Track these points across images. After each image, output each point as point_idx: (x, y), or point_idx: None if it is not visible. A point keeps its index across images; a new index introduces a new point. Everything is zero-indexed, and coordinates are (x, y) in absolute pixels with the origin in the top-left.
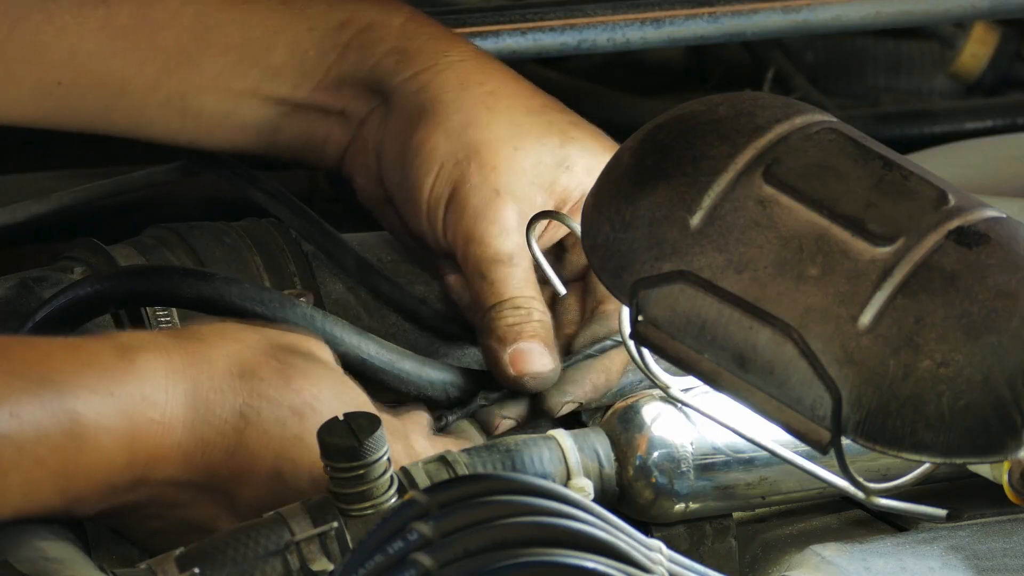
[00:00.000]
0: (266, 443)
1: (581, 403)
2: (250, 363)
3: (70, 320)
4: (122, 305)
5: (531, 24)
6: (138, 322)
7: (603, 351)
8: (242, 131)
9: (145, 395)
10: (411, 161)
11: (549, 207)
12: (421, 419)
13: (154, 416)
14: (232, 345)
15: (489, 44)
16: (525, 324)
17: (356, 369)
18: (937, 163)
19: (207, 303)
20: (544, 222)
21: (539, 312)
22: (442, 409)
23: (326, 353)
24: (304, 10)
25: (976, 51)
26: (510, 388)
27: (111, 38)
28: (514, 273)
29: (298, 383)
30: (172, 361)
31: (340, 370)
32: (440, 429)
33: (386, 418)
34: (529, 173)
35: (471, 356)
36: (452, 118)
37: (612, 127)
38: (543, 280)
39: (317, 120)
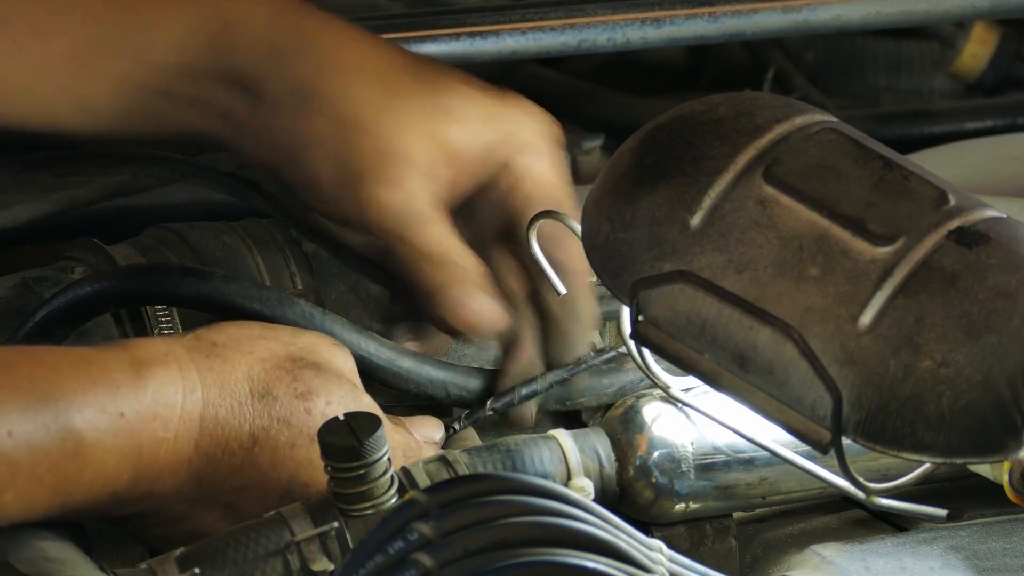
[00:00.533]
0: (277, 464)
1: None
2: (264, 381)
3: (70, 320)
4: (122, 304)
5: (531, 24)
6: (138, 321)
7: (607, 361)
8: (136, 123)
9: (157, 413)
10: (296, 149)
11: (444, 160)
12: (434, 435)
13: (164, 435)
14: (247, 359)
15: (489, 44)
16: (455, 275)
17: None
18: (937, 163)
19: (206, 301)
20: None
21: (466, 259)
22: (442, 405)
23: (342, 358)
24: (179, 5)
25: (976, 51)
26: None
27: (13, 48)
28: (429, 229)
29: (311, 403)
30: (187, 377)
31: (355, 380)
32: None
33: (397, 439)
34: (415, 129)
35: (473, 355)
36: (327, 100)
37: (612, 127)
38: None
39: (200, 111)
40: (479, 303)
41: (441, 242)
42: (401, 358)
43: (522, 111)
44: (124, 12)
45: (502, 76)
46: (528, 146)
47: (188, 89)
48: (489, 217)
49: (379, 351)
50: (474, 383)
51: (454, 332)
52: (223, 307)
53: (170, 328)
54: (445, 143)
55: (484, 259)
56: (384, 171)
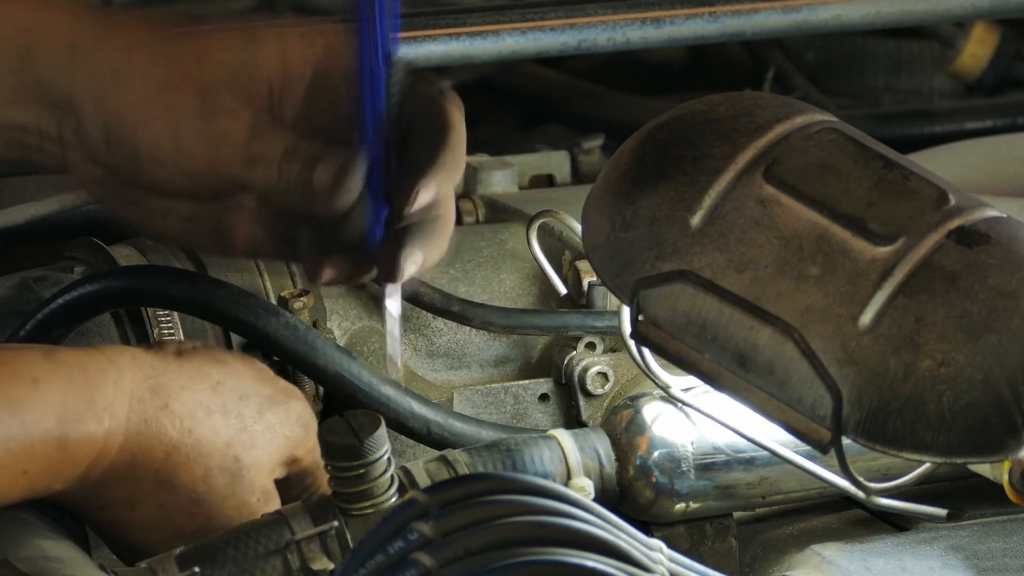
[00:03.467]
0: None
1: (439, 192)
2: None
3: (66, 321)
4: (112, 306)
5: (531, 24)
6: (139, 323)
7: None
8: None
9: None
10: (120, 132)
11: (252, 80)
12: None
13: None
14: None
15: (489, 44)
16: (310, 155)
17: (332, 384)
18: (937, 163)
19: (193, 306)
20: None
21: (314, 146)
22: (422, 443)
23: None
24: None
25: (976, 51)
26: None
27: None
28: (267, 137)
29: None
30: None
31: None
32: None
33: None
34: (221, 63)
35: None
36: (132, 73)
37: (612, 127)
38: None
39: (23, 135)
40: (332, 163)
41: (284, 143)
42: (383, 384)
43: (317, 25)
44: None
45: (502, 76)
46: (327, 44)
47: (10, 117)
48: (327, 130)
49: (360, 373)
50: (461, 427)
51: (328, 207)
52: (209, 313)
53: (170, 327)
54: (251, 69)
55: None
56: (211, 108)
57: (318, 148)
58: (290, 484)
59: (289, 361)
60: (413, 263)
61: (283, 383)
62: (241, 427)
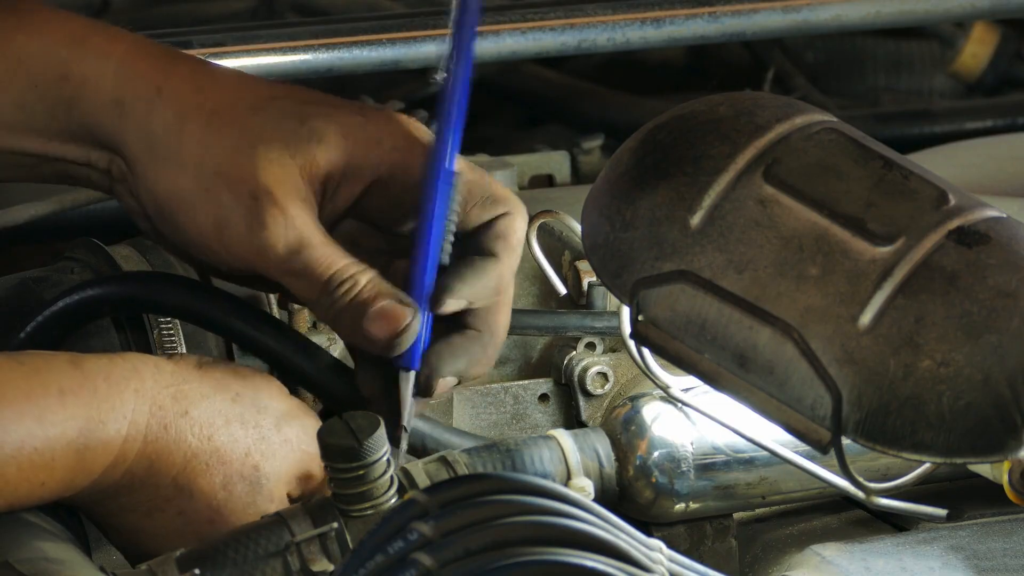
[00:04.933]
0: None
1: (469, 302)
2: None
3: (66, 324)
4: (115, 311)
5: (531, 24)
6: (139, 330)
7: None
8: (19, 174)
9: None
10: (166, 208)
11: (314, 184)
12: None
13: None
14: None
15: (489, 44)
16: (358, 291)
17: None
18: (937, 163)
19: (189, 313)
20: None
21: (362, 273)
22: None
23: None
24: (23, 64)
25: (976, 51)
26: (387, 355)
27: None
28: (314, 254)
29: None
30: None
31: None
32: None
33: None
34: (278, 163)
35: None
36: (183, 154)
37: (612, 127)
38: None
39: (69, 167)
40: (397, 314)
41: (333, 263)
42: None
43: (382, 118)
44: None
45: (502, 76)
46: (394, 147)
47: (38, 148)
48: (379, 217)
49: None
50: (457, 441)
51: (378, 350)
52: (207, 322)
53: (170, 332)
54: (310, 168)
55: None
56: (259, 217)
57: (370, 281)
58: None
59: (285, 373)
60: (448, 383)
61: (299, 400)
62: (259, 437)
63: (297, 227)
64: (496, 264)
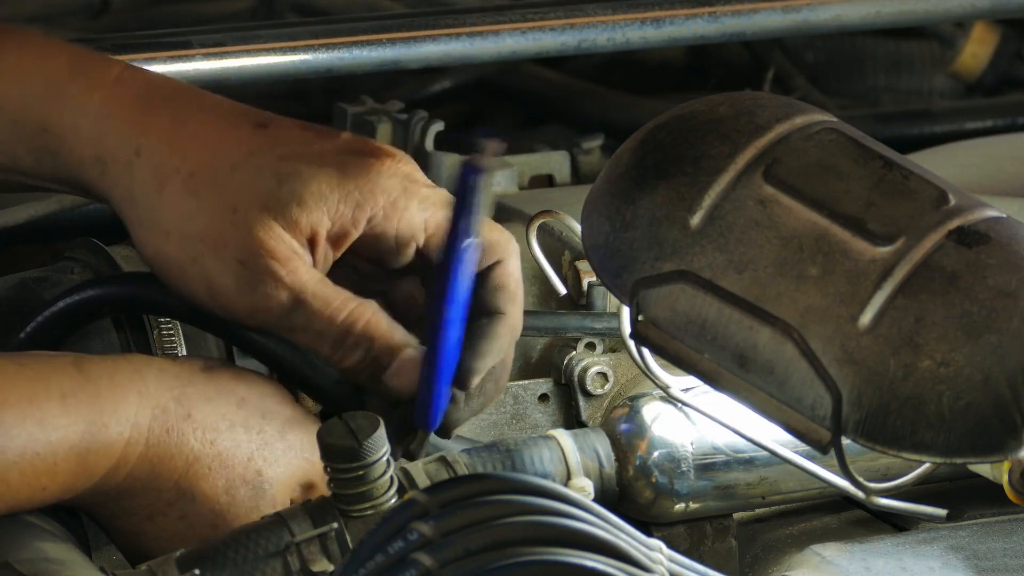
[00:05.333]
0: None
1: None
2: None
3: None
4: (115, 311)
5: (531, 24)
6: (140, 330)
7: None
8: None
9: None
10: (160, 271)
11: (305, 240)
12: None
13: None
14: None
15: (489, 44)
16: (372, 345)
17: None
18: (937, 163)
19: (195, 317)
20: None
21: (371, 320)
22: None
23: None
24: (4, 110)
25: (976, 51)
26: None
27: None
28: (313, 308)
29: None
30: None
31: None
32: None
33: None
34: (258, 223)
35: None
36: (165, 221)
37: (612, 127)
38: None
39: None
40: (405, 367)
41: (332, 318)
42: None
43: (360, 169)
44: None
45: (502, 76)
46: (384, 189)
47: (31, 183)
48: (373, 258)
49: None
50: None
51: (401, 396)
52: (209, 324)
53: (170, 333)
54: (293, 228)
55: (389, 294)
56: (248, 282)
57: (381, 332)
58: None
59: (286, 376)
60: (459, 428)
61: (303, 408)
62: (263, 443)
63: (288, 285)
64: (504, 320)
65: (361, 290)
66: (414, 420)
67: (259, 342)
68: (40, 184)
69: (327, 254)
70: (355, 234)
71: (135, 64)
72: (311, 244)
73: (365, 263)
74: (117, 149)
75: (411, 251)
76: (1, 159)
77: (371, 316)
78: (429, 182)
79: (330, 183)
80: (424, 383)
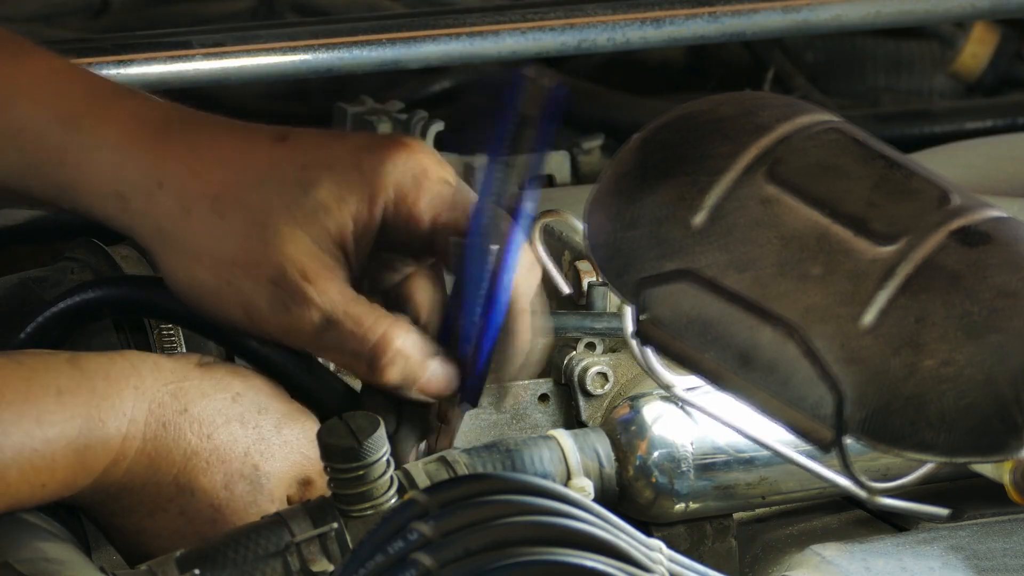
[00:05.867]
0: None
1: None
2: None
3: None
4: (116, 313)
5: (531, 24)
6: (139, 332)
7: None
8: None
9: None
10: (194, 297)
11: (329, 251)
12: None
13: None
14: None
15: (489, 44)
16: (405, 365)
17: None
18: (937, 163)
19: (196, 323)
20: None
21: (404, 342)
22: None
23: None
24: (19, 137)
25: (976, 51)
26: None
27: None
28: (345, 329)
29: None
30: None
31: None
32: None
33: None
34: (288, 239)
35: None
36: (195, 246)
37: (612, 127)
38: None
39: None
40: (434, 381)
41: (364, 339)
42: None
43: (376, 162)
44: None
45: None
46: (395, 179)
47: (50, 211)
48: (398, 245)
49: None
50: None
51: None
52: (211, 331)
53: (170, 332)
54: (322, 236)
55: (408, 291)
56: (282, 301)
57: (414, 352)
58: None
59: (287, 385)
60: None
61: (299, 404)
62: (259, 438)
63: (319, 306)
64: (516, 336)
65: (385, 276)
66: (460, 398)
67: (260, 351)
68: (53, 210)
69: (358, 254)
70: (374, 228)
71: (134, 65)
72: (342, 249)
73: (386, 252)
74: (138, 182)
75: (427, 236)
76: (20, 183)
77: (404, 335)
78: (445, 168)
79: (349, 183)
80: (465, 363)
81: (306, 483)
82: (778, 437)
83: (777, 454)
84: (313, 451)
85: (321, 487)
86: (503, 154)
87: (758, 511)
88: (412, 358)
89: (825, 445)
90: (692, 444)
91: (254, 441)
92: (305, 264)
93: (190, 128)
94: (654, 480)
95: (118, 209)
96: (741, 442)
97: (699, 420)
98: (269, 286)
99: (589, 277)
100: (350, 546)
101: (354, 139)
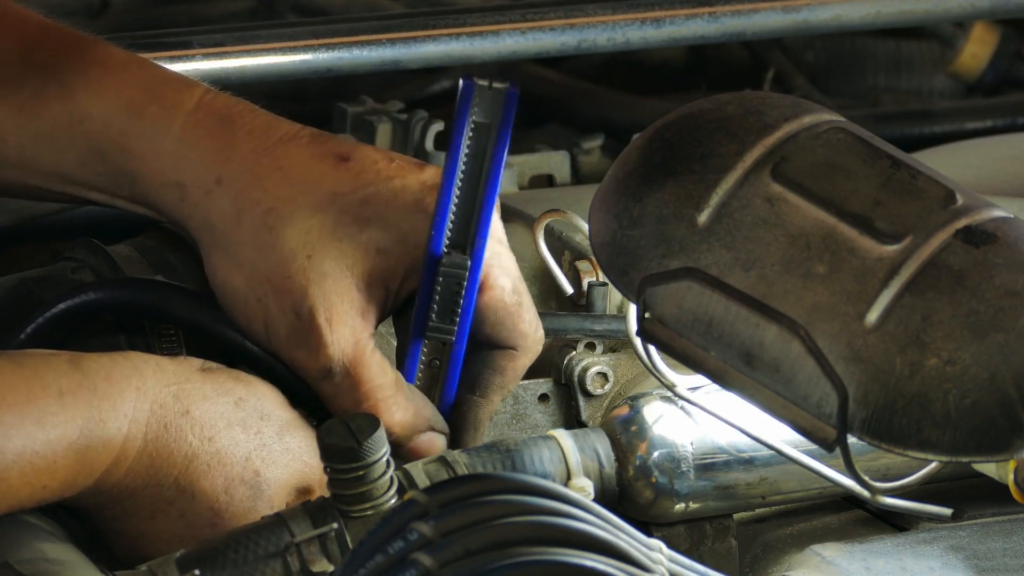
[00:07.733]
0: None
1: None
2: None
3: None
4: (116, 315)
5: (531, 24)
6: (139, 333)
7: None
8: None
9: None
10: (223, 298)
11: (370, 293)
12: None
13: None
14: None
15: (489, 44)
16: (396, 433)
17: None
18: (937, 163)
19: (196, 327)
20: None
21: (387, 407)
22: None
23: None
24: (83, 125)
25: (976, 51)
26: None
27: None
28: (347, 383)
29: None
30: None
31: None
32: None
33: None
34: (329, 276)
35: None
36: (238, 253)
37: (612, 127)
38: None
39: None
40: (421, 448)
41: (364, 397)
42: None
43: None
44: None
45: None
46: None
47: (104, 200)
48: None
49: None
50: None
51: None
52: (210, 335)
53: (170, 332)
54: (368, 278)
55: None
56: (299, 334)
57: (406, 419)
58: None
59: (288, 394)
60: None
61: (302, 412)
62: (261, 444)
63: (328, 354)
64: (483, 405)
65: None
66: None
67: (260, 356)
68: (107, 203)
69: (400, 293)
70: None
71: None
72: (386, 290)
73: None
74: (198, 176)
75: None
76: (78, 173)
77: (393, 410)
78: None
79: (412, 225)
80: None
81: (306, 491)
82: (781, 436)
83: (780, 453)
84: (314, 459)
85: (319, 497)
86: (459, 164)
87: (758, 511)
88: (401, 429)
89: (828, 444)
90: (692, 444)
91: (255, 447)
92: (334, 306)
93: (254, 131)
94: (654, 480)
95: (176, 199)
96: (741, 442)
97: (699, 420)
98: (291, 316)
99: (589, 277)
100: (350, 546)
101: (419, 174)
